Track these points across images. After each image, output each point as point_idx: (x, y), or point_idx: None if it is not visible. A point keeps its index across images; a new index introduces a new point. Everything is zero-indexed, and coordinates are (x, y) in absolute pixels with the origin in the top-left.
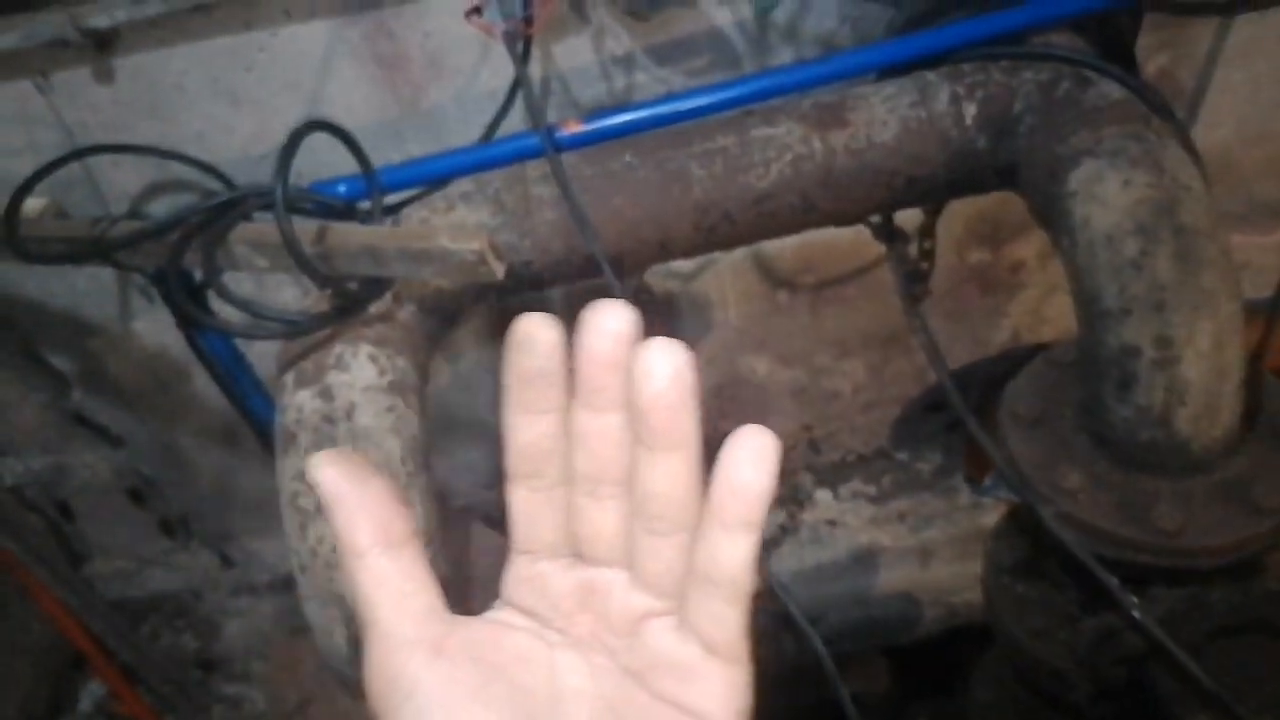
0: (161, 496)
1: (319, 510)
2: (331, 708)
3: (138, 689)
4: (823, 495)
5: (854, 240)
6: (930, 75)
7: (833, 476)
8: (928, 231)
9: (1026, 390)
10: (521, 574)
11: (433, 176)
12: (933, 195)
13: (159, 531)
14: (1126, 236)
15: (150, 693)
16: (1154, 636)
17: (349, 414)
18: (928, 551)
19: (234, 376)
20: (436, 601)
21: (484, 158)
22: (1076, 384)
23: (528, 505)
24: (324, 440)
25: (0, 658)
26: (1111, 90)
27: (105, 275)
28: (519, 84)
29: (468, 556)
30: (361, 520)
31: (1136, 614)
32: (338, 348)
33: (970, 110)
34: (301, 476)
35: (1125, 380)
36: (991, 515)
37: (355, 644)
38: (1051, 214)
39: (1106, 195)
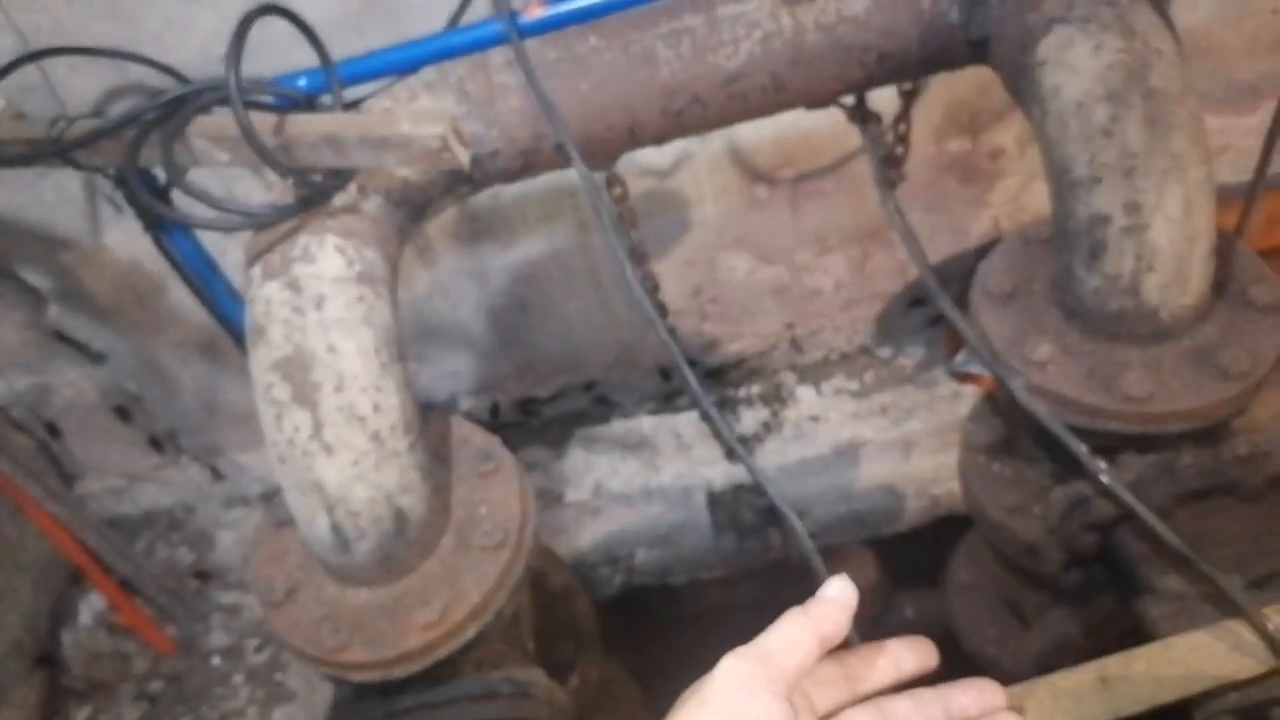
0: (148, 413)
1: (292, 400)
2: (318, 593)
3: (136, 601)
4: (805, 392)
5: (832, 132)
6: None
7: (815, 374)
8: (903, 114)
9: (999, 267)
10: None
11: (395, 68)
12: (905, 72)
13: (148, 448)
14: (1097, 103)
15: (149, 604)
16: (1123, 501)
17: (318, 304)
18: (910, 443)
19: (207, 282)
20: None
21: (447, 46)
22: (1049, 259)
23: None
24: (294, 332)
25: (0, 576)
26: None
27: (72, 186)
28: None
29: (447, 445)
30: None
31: (1105, 479)
32: (303, 239)
33: None
34: (274, 368)
35: (1095, 249)
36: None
37: (336, 531)
38: (1022, 85)
39: (1076, 62)
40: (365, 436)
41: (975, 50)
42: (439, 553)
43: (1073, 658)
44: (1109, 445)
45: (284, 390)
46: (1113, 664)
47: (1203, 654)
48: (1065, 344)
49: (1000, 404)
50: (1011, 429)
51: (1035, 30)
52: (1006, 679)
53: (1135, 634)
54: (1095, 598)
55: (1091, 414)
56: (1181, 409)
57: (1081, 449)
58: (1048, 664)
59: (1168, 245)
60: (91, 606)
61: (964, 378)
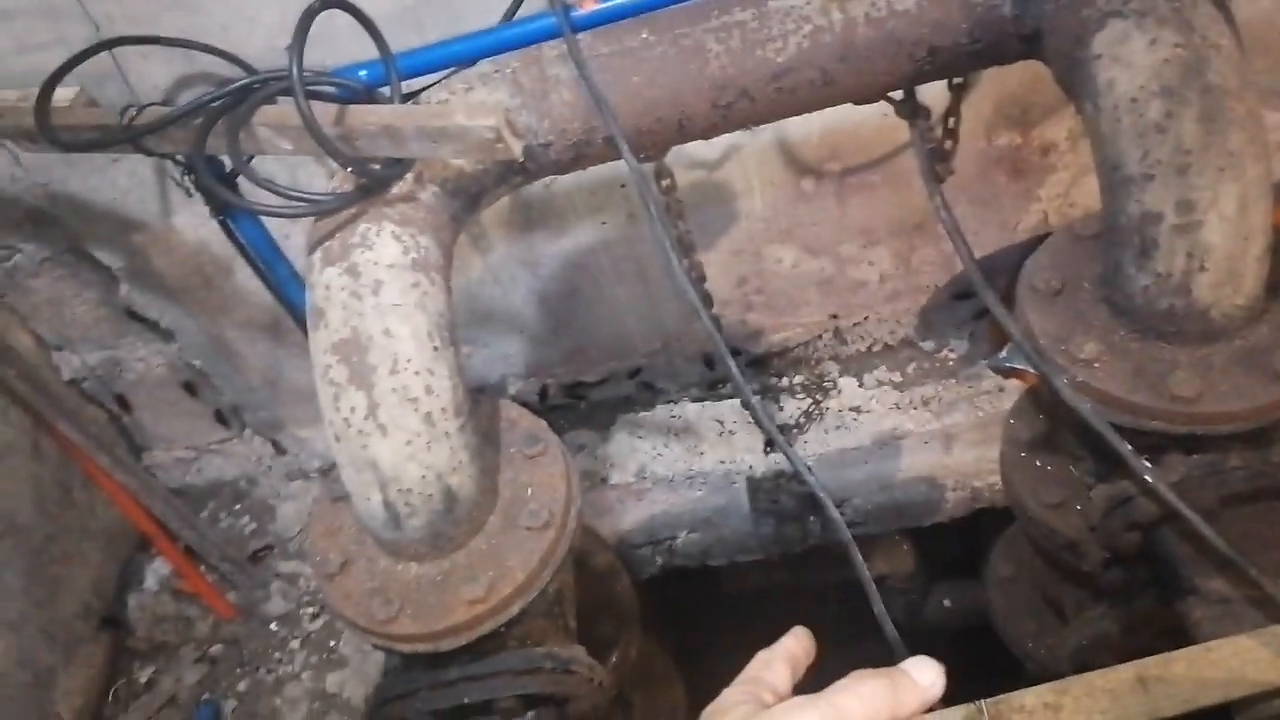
0: (214, 388)
1: (349, 382)
2: (370, 567)
3: (199, 567)
4: (847, 383)
5: (879, 125)
6: None
7: (858, 365)
8: (953, 109)
9: (1046, 263)
10: None
11: (451, 60)
12: (955, 66)
13: (214, 421)
14: (1151, 99)
15: (211, 571)
16: (1168, 501)
17: (375, 290)
18: (951, 436)
19: (271, 266)
20: None
21: (502, 40)
22: (1097, 256)
23: None
24: (352, 316)
25: (70, 541)
26: None
27: (144, 171)
28: None
29: (496, 427)
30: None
31: (1150, 479)
32: (362, 226)
33: None
34: (333, 350)
35: (1146, 247)
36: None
37: (388, 507)
38: (1075, 79)
39: (1131, 56)
40: (418, 418)
41: (1027, 44)
42: (486, 531)
43: (1110, 656)
44: (1154, 445)
45: (341, 372)
46: (1152, 665)
47: (1246, 658)
48: (1112, 342)
49: (1044, 400)
50: (1054, 425)
51: (1090, 24)
52: (1045, 673)
53: (1175, 634)
54: (1135, 596)
55: (1138, 413)
56: (1230, 410)
57: (1126, 448)
58: (1085, 661)
59: (1221, 244)
60: (157, 572)
61: (1008, 372)
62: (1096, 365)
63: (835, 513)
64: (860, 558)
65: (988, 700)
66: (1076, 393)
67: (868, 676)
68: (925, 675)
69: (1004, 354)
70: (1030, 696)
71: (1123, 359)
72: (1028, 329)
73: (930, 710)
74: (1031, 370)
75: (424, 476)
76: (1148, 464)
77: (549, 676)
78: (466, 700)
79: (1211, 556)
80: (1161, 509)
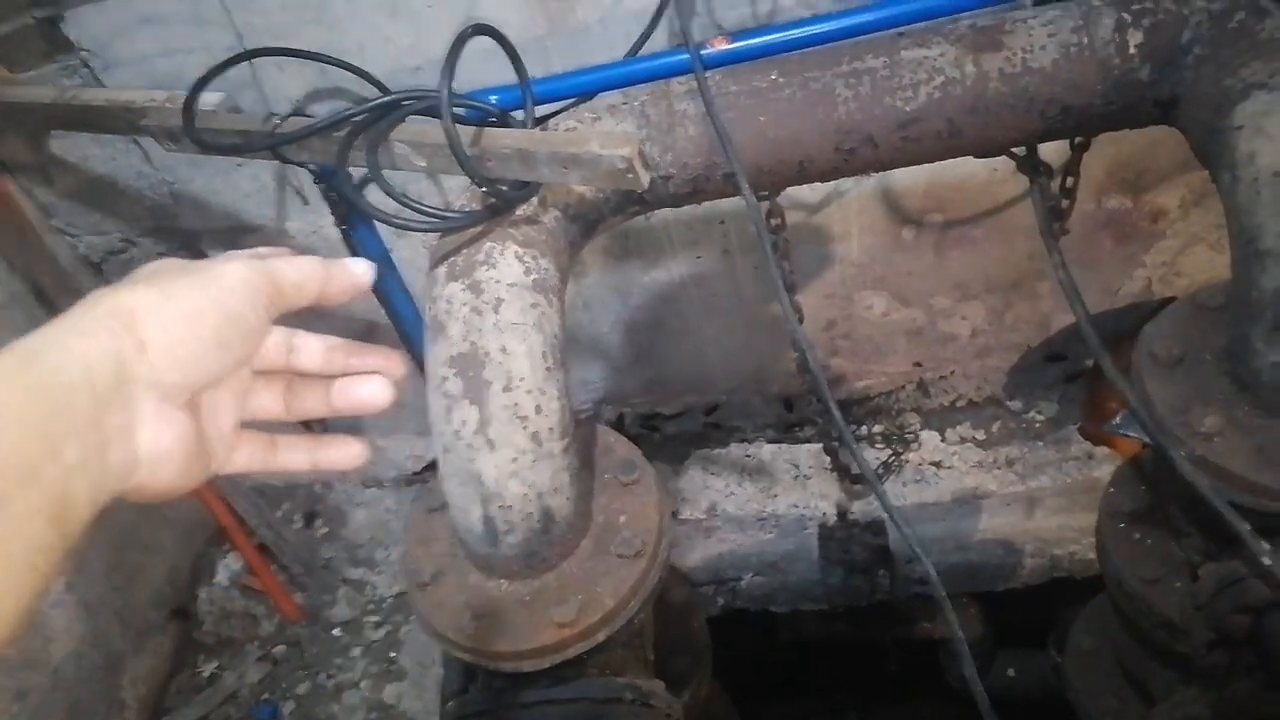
0: None
1: (463, 395)
2: (461, 580)
3: (271, 566)
4: (929, 436)
5: (987, 180)
6: (1095, 0)
7: (940, 419)
8: (1072, 167)
9: (1167, 331)
10: None
11: (582, 90)
12: (1086, 126)
13: (298, 423)
14: None
15: (282, 570)
16: None
17: (496, 307)
18: (1034, 500)
19: (383, 276)
20: None
21: (632, 73)
22: (1221, 328)
23: None
24: (471, 331)
25: (149, 529)
26: None
27: (266, 176)
28: (666, 3)
29: (592, 452)
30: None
31: (1268, 560)
32: (487, 245)
33: (1135, 38)
34: (450, 363)
35: (1278, 323)
36: (1104, 468)
37: (487, 522)
38: (1213, 149)
39: (1276, 130)
40: (526, 436)
41: (1163, 110)
42: (578, 555)
43: None
44: (1271, 527)
45: (457, 385)
46: None
47: None
48: (1234, 417)
49: (1148, 471)
50: (1158, 498)
51: (1233, 94)
52: None
53: None
54: (1232, 681)
55: (1258, 493)
56: None
57: (1245, 527)
58: None
59: None
60: (228, 567)
61: (1104, 440)
62: (1216, 440)
63: (931, 568)
64: (954, 617)
65: None
66: (1194, 467)
67: (306, 256)
68: (358, 265)
69: (1119, 421)
70: None
71: (1244, 435)
72: (1145, 397)
73: None
74: (1146, 439)
75: (525, 494)
76: (1266, 545)
77: (628, 708)
78: None
79: None
80: (1274, 593)
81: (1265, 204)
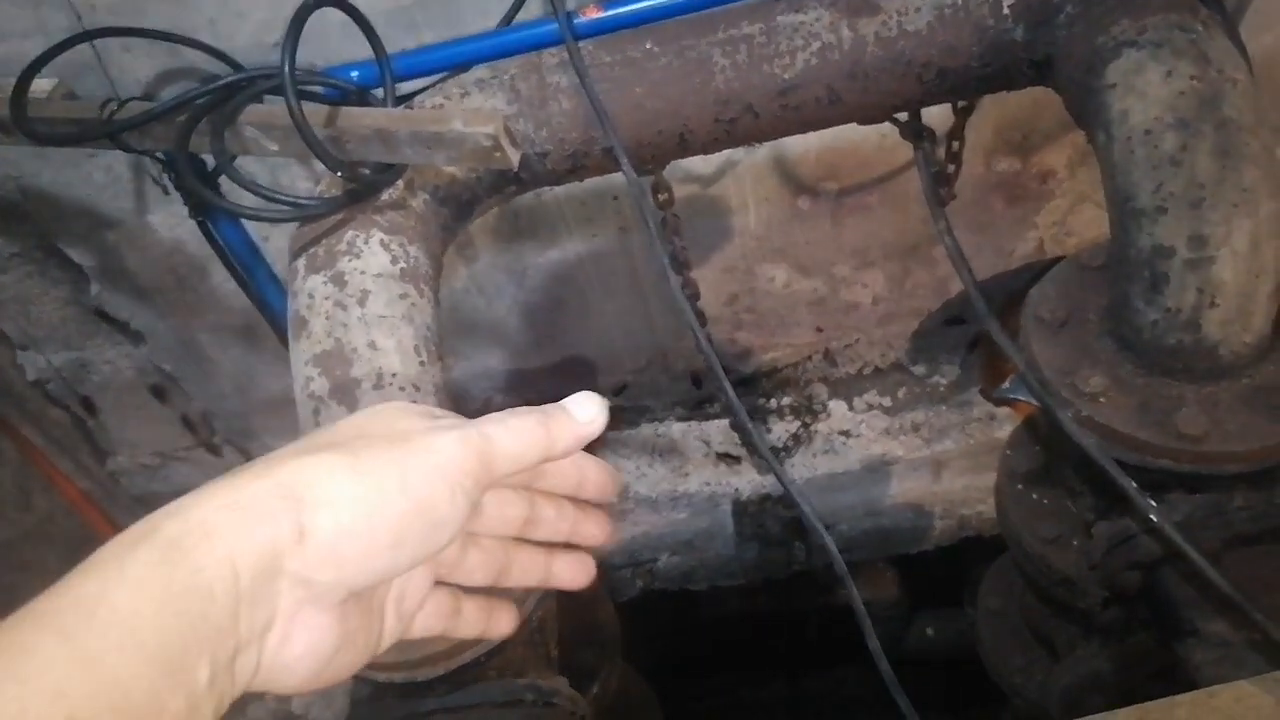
0: (184, 393)
1: (330, 395)
2: None
3: None
4: (837, 406)
5: (878, 146)
6: None
7: (848, 388)
8: (956, 132)
9: (1051, 294)
10: None
11: (448, 64)
12: (964, 89)
13: (182, 428)
14: (1166, 131)
15: None
16: (1172, 541)
17: (361, 300)
18: (940, 463)
19: (249, 269)
20: None
21: (501, 44)
22: (1104, 287)
23: None
24: (336, 327)
25: (27, 548)
26: None
27: (120, 166)
28: None
29: None
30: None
31: (1155, 518)
32: (350, 234)
33: None
34: (314, 362)
35: (1156, 281)
36: (1006, 428)
37: None
38: (1087, 108)
39: (1147, 87)
40: None
41: (1038, 70)
42: None
43: (1101, 695)
44: (1158, 483)
45: (323, 385)
46: (1153, 710)
47: (1248, 704)
48: (1118, 376)
49: (1042, 432)
50: (1053, 458)
51: (1104, 53)
52: (1032, 709)
53: (1168, 675)
54: (1130, 635)
55: (1143, 450)
56: (1237, 450)
57: (1131, 485)
58: (1075, 699)
59: (1232, 281)
60: None
61: (1009, 403)
62: (1102, 400)
63: (831, 544)
64: (855, 589)
65: None
66: (1081, 427)
67: (521, 412)
68: (584, 410)
69: (1008, 385)
70: None
71: (1128, 394)
72: (1032, 360)
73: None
74: (1035, 402)
75: None
76: (1152, 502)
77: (530, 710)
78: None
79: (1213, 598)
80: (1164, 548)
81: (1139, 163)
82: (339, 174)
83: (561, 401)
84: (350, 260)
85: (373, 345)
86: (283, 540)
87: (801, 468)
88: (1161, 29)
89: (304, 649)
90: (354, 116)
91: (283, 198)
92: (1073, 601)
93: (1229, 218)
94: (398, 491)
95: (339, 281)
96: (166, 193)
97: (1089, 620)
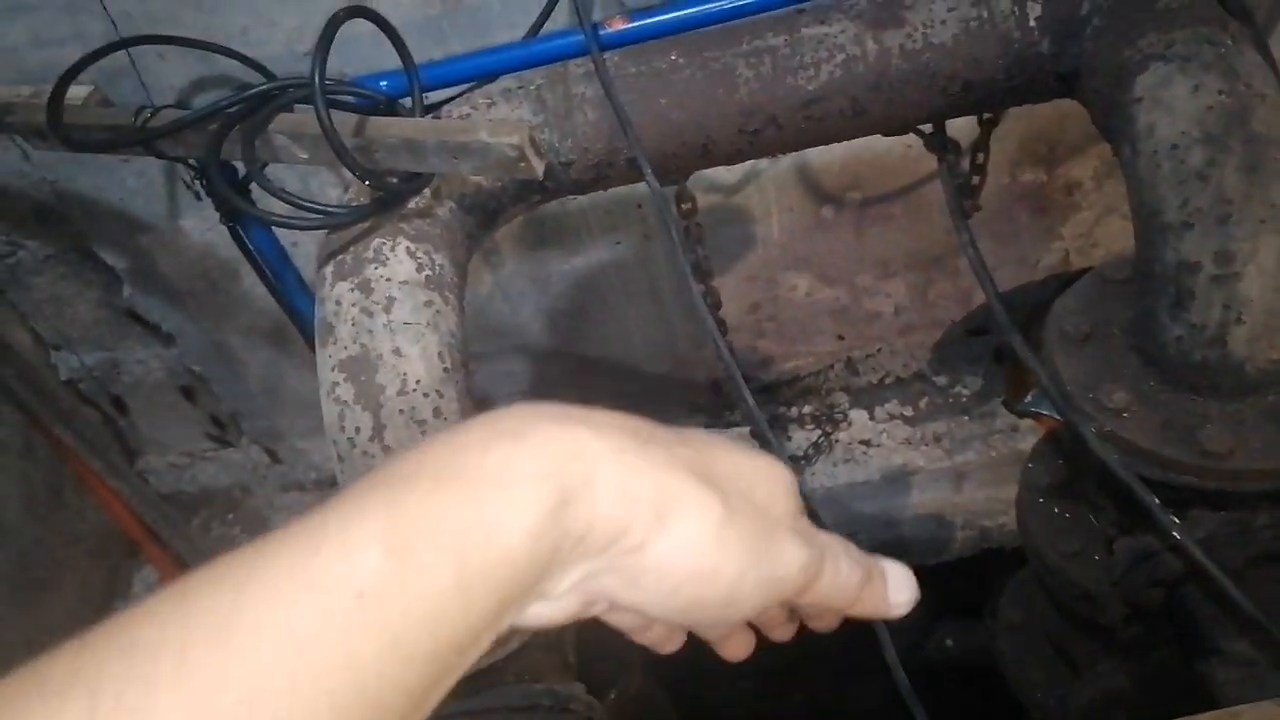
0: (212, 394)
1: (355, 400)
2: None
3: None
4: (858, 415)
5: (903, 156)
6: None
7: (869, 397)
8: (981, 144)
9: (1075, 307)
10: None
11: (475, 74)
12: (989, 102)
13: (210, 428)
14: (1193, 145)
15: None
16: (1194, 559)
17: (387, 308)
18: (961, 474)
19: (279, 274)
20: None
21: (527, 55)
22: (1128, 302)
23: None
24: (362, 333)
25: (58, 545)
26: None
27: (154, 172)
28: None
29: None
30: None
31: (1177, 535)
32: (376, 241)
33: (1034, 10)
34: (340, 368)
35: (1181, 297)
36: (1028, 440)
37: None
38: (1114, 122)
39: (1174, 101)
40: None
41: (1064, 83)
42: None
43: (1122, 712)
44: (1181, 500)
45: (348, 390)
46: None
47: None
48: (1142, 392)
49: (1065, 446)
50: (1075, 472)
51: (1131, 66)
52: None
53: (1191, 693)
54: (1152, 652)
55: (1166, 466)
56: (1262, 467)
57: (1154, 502)
58: (1096, 715)
59: (1259, 297)
60: (145, 580)
61: (1028, 415)
62: (1125, 415)
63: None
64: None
65: None
66: (1104, 442)
67: (855, 558)
68: (899, 594)
69: (1030, 399)
70: None
71: (1152, 410)
72: (1055, 374)
73: None
74: (1057, 416)
75: None
76: (1175, 519)
77: (547, 714)
78: None
79: (1236, 617)
80: (1186, 566)
81: (1165, 178)
82: (367, 182)
83: (888, 567)
84: (377, 268)
85: (397, 352)
86: (633, 538)
87: (822, 476)
88: (1190, 43)
89: (533, 622)
90: (382, 126)
91: (312, 206)
92: (1094, 617)
93: (1256, 234)
94: (731, 568)
95: (365, 288)
96: (198, 198)
97: (1110, 636)
